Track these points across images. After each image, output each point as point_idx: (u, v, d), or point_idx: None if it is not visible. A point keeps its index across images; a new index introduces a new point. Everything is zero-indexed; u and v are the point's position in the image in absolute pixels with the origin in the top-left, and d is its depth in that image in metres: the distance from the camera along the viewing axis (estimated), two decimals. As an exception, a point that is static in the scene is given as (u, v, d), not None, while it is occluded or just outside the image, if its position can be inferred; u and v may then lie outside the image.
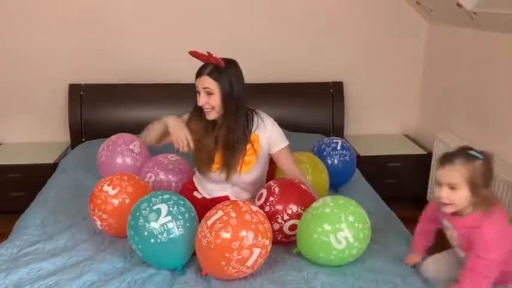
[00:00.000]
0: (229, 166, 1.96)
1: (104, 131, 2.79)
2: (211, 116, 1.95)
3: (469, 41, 2.82)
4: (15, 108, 3.20)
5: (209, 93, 1.90)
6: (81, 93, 3.11)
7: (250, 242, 1.58)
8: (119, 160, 2.42)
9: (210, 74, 1.88)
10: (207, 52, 1.89)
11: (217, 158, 1.99)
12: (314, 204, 1.80)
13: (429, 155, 3.09)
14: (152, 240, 1.65)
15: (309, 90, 3.30)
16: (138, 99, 3.15)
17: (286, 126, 3.00)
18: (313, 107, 3.28)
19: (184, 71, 3.13)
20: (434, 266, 1.70)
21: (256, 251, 1.59)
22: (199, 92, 1.93)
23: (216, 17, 3.20)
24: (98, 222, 1.92)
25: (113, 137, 2.53)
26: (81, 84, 3.14)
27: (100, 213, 1.89)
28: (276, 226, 1.82)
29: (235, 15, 3.21)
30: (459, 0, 2.58)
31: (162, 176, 2.27)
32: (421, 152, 3.18)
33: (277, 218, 1.83)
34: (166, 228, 1.66)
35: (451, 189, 1.50)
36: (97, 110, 3.11)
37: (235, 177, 2.00)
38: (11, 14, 3.06)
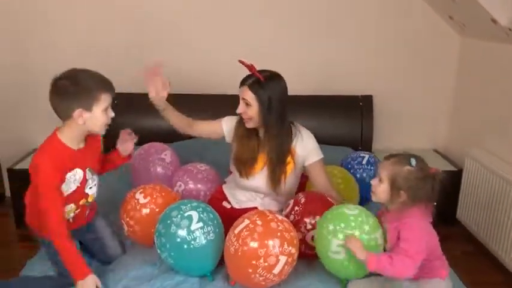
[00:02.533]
0: (275, 180, 2.01)
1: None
2: (249, 125, 2.01)
3: (503, 56, 2.77)
4: (48, 113, 3.27)
5: (247, 104, 1.95)
6: (115, 101, 3.18)
7: (277, 249, 1.59)
8: (151, 169, 2.48)
9: (250, 86, 1.94)
10: (251, 64, 1.94)
11: (259, 162, 2.03)
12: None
13: (459, 172, 3.03)
14: (185, 247, 1.69)
15: (338, 103, 3.30)
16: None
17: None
18: (342, 120, 3.28)
19: (218, 82, 3.24)
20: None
21: (283, 259, 1.60)
22: (240, 99, 1.98)
23: (246, 30, 3.25)
24: (125, 227, 1.96)
25: (145, 145, 2.59)
26: (116, 92, 3.21)
27: (128, 219, 1.93)
28: (299, 235, 1.82)
29: (264, 28, 3.26)
30: (494, 16, 2.55)
31: (191, 185, 2.31)
32: (452, 168, 3.12)
33: (301, 227, 1.85)
34: (198, 234, 1.69)
35: (379, 181, 1.66)
36: (130, 118, 3.16)
37: (281, 189, 2.04)
38: (47, 22, 3.19)
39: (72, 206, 1.80)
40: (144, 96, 3.23)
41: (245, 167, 2.04)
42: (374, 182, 1.68)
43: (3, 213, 3.26)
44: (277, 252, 1.59)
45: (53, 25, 3.20)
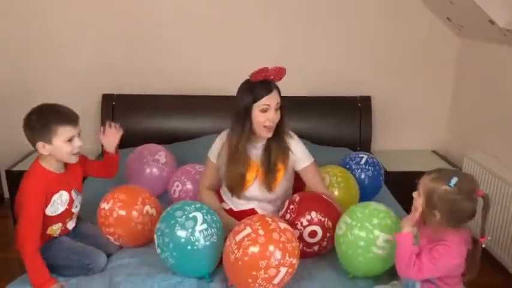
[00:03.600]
0: (269, 183, 2.01)
1: (135, 141, 2.84)
2: (270, 133, 1.97)
3: (501, 58, 2.78)
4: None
5: (279, 109, 1.94)
6: (114, 103, 3.20)
7: (278, 261, 1.58)
8: (146, 170, 2.47)
9: (276, 88, 1.94)
10: (267, 70, 1.90)
11: (249, 175, 2.02)
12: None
13: (458, 173, 3.02)
14: (189, 247, 1.69)
15: (336, 104, 3.30)
16: (169, 110, 3.22)
17: (312, 139, 3.03)
18: (340, 121, 3.28)
19: (214, 83, 3.24)
20: None
21: (283, 270, 1.59)
22: (266, 109, 1.91)
23: (244, 31, 3.25)
24: (111, 238, 1.98)
25: (139, 148, 2.59)
26: (113, 94, 3.23)
27: (107, 229, 1.96)
28: (296, 233, 1.82)
29: (263, 29, 3.26)
30: (492, 17, 2.55)
31: (188, 186, 2.31)
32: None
33: (297, 224, 1.85)
34: (202, 236, 1.70)
35: (418, 195, 1.58)
36: (128, 120, 3.17)
37: (273, 194, 2.04)
38: (49, 28, 3.20)
39: (59, 225, 1.93)
40: (142, 97, 3.27)
41: (236, 188, 2.03)
42: (415, 194, 1.60)
43: (2, 214, 3.25)
44: (278, 264, 1.58)
45: (51, 26, 3.20)
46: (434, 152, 3.48)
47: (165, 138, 2.96)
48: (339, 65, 3.34)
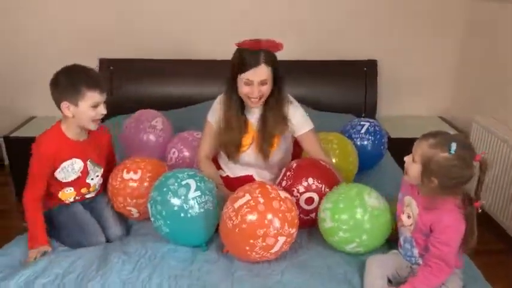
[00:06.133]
0: (264, 153, 1.95)
1: (133, 106, 2.76)
2: (257, 104, 1.90)
3: (511, 18, 2.64)
4: (43, 82, 3.21)
5: (264, 84, 1.84)
6: (111, 67, 3.13)
7: (276, 230, 1.54)
8: (143, 137, 2.41)
9: (266, 62, 1.81)
10: (257, 40, 1.80)
11: (245, 140, 1.97)
12: None
13: (465, 139, 2.95)
14: (182, 215, 1.65)
15: (341, 68, 3.20)
16: (167, 74, 3.15)
17: (316, 105, 2.97)
18: (345, 86, 3.18)
19: (212, 47, 3.15)
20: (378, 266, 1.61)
21: (281, 239, 1.57)
22: (249, 83, 1.84)
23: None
24: (135, 210, 1.91)
25: (136, 113, 2.53)
26: (111, 59, 3.15)
27: (134, 201, 1.88)
28: (292, 200, 1.77)
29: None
30: (505, -26, 2.41)
31: (185, 153, 2.27)
32: (457, 135, 3.05)
33: (293, 191, 1.81)
34: (196, 203, 1.66)
35: (412, 160, 1.51)
36: (127, 85, 3.13)
37: (270, 161, 1.99)
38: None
39: (72, 191, 1.89)
40: (140, 62, 3.18)
41: (232, 150, 1.98)
42: (407, 159, 1.53)
43: (2, 182, 3.25)
44: (276, 233, 1.54)
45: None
46: (440, 117, 3.39)
47: (163, 104, 2.89)
48: (344, 28, 3.22)
